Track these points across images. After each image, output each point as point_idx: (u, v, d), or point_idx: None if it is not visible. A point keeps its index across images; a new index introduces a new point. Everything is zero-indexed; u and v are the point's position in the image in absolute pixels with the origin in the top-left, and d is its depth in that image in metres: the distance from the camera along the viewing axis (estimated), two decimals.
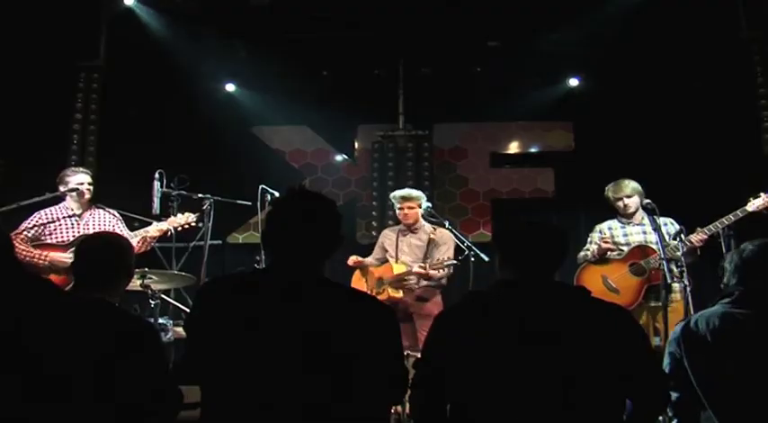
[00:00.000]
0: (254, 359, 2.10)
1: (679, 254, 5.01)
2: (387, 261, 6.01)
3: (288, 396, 2.09)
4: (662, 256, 4.91)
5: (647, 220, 5.42)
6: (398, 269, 5.74)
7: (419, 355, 2.62)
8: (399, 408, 4.34)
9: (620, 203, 5.52)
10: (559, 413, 2.31)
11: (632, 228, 5.52)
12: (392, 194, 6.13)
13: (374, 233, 8.42)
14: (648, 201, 5.17)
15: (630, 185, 5.51)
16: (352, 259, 6.09)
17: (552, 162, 8.84)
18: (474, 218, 8.60)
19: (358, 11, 7.81)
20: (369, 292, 5.77)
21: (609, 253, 5.50)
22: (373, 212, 8.68)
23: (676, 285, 5.17)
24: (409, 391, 2.52)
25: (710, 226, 5.15)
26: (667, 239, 5.17)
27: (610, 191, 5.60)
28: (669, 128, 7.86)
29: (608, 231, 5.61)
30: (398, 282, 5.72)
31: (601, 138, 8.26)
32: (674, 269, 4.95)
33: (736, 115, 7.49)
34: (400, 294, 5.70)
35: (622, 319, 2.52)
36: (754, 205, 5.11)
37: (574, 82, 8.54)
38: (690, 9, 7.26)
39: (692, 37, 7.39)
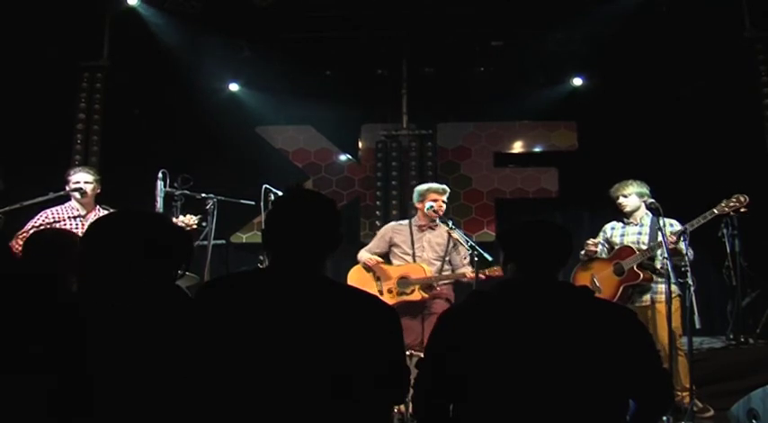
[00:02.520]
0: (253, 358, 2.10)
1: (687, 255, 5.03)
2: (387, 254, 5.92)
3: (288, 396, 2.08)
4: (666, 255, 4.92)
5: (646, 221, 5.50)
6: (429, 271, 5.64)
7: (422, 355, 2.61)
8: (402, 408, 4.34)
9: (617, 202, 5.62)
10: (563, 413, 2.31)
11: (630, 228, 5.59)
12: (426, 186, 5.95)
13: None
14: (652, 200, 5.21)
15: (630, 186, 5.58)
16: (374, 260, 5.88)
17: (556, 162, 8.84)
18: (478, 218, 8.59)
19: (361, 11, 7.82)
20: (385, 290, 5.72)
21: (599, 253, 5.64)
22: (377, 212, 8.68)
23: (662, 286, 5.22)
24: (412, 391, 2.52)
25: (689, 224, 5.16)
26: (660, 239, 5.19)
27: (611, 189, 5.68)
28: (673, 127, 7.85)
29: (610, 231, 5.73)
30: (429, 283, 5.65)
31: (605, 137, 8.24)
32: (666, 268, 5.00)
33: (740, 115, 7.47)
34: (427, 295, 5.67)
35: (626, 319, 2.51)
36: (721, 208, 5.10)
37: (577, 81, 8.53)
38: (694, 8, 7.25)
39: (696, 36, 7.38)
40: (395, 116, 8.79)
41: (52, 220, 5.32)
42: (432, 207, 5.73)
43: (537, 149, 8.99)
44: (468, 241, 5.43)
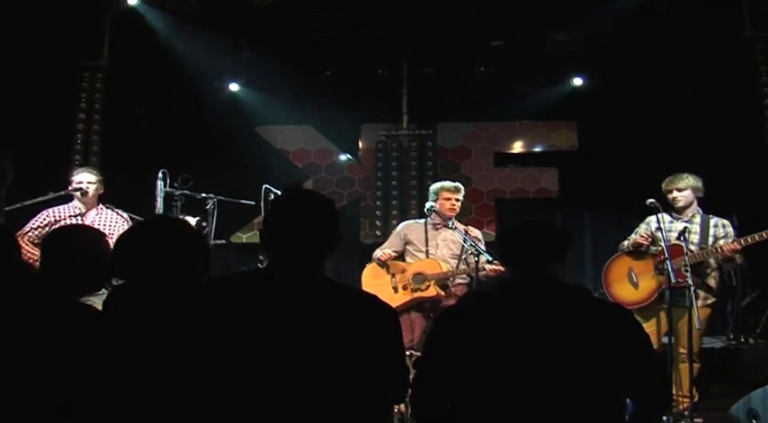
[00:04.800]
0: (252, 358, 2.10)
1: (711, 259, 5.00)
2: (403, 253, 5.90)
3: (287, 396, 2.08)
4: (666, 255, 4.88)
5: (697, 219, 5.29)
6: (445, 266, 5.63)
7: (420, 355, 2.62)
8: (402, 407, 4.34)
9: (670, 196, 5.35)
10: (559, 413, 2.31)
11: (678, 224, 5.28)
12: (439, 185, 5.89)
13: (378, 233, 8.44)
14: (652, 200, 5.12)
15: (685, 179, 5.33)
16: (387, 254, 5.83)
17: (556, 162, 8.83)
18: (478, 218, 8.58)
19: (361, 11, 7.82)
20: (399, 286, 5.73)
21: (650, 247, 5.37)
22: (377, 212, 8.68)
23: (700, 292, 5.05)
24: (410, 391, 2.52)
25: (747, 237, 5.01)
26: (710, 242, 5.13)
27: (664, 182, 5.41)
28: (673, 127, 7.85)
29: (655, 225, 5.34)
30: (445, 279, 5.66)
31: (605, 137, 8.24)
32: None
33: (740, 115, 7.47)
34: (444, 293, 5.67)
35: (622, 320, 2.51)
36: None
37: (578, 81, 8.52)
38: (694, 8, 7.25)
39: (696, 36, 7.37)
40: (395, 116, 8.78)
41: (53, 220, 5.32)
42: (432, 207, 5.74)
43: (537, 149, 8.98)
44: (466, 240, 5.42)
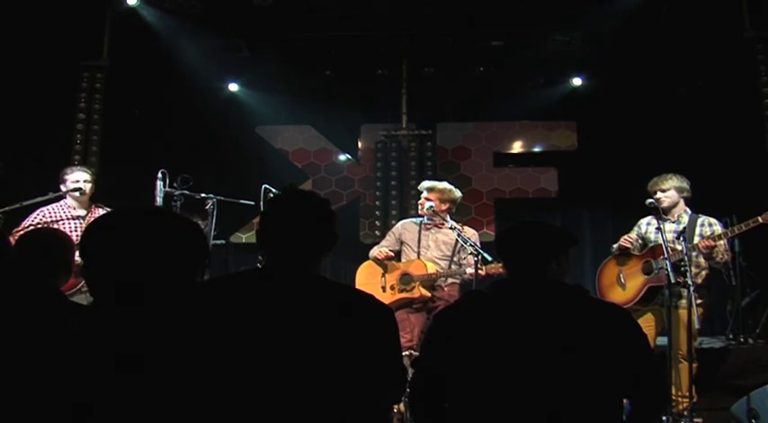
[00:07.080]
0: (249, 358, 2.10)
1: (691, 254, 4.98)
2: (399, 253, 5.92)
3: (285, 396, 2.08)
4: (666, 255, 4.86)
5: (684, 219, 5.27)
6: (432, 268, 5.62)
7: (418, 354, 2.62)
8: (402, 407, 4.34)
9: (655, 197, 5.30)
10: (557, 413, 2.31)
11: (667, 225, 5.25)
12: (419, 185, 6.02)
13: (377, 233, 8.44)
14: (651, 200, 5.12)
15: (669, 180, 5.32)
16: (384, 252, 5.85)
17: (556, 162, 8.84)
18: (477, 217, 8.59)
19: (361, 11, 7.82)
20: (388, 286, 5.74)
21: (632, 249, 5.38)
22: (377, 212, 8.69)
23: (683, 289, 5.07)
24: (408, 390, 2.52)
25: (720, 233, 5.02)
26: (695, 241, 5.11)
27: (649, 183, 5.40)
28: (673, 127, 7.85)
29: (645, 226, 5.43)
30: (431, 280, 5.65)
31: (604, 137, 8.25)
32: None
33: (739, 115, 7.47)
34: (429, 293, 5.67)
35: (619, 319, 2.51)
36: (765, 217, 4.86)
37: (577, 81, 8.54)
38: (694, 8, 7.24)
39: (696, 36, 7.37)
40: (395, 116, 8.79)
41: (50, 220, 5.30)
42: (431, 207, 5.73)
43: (537, 149, 9.00)
44: (467, 241, 5.40)
